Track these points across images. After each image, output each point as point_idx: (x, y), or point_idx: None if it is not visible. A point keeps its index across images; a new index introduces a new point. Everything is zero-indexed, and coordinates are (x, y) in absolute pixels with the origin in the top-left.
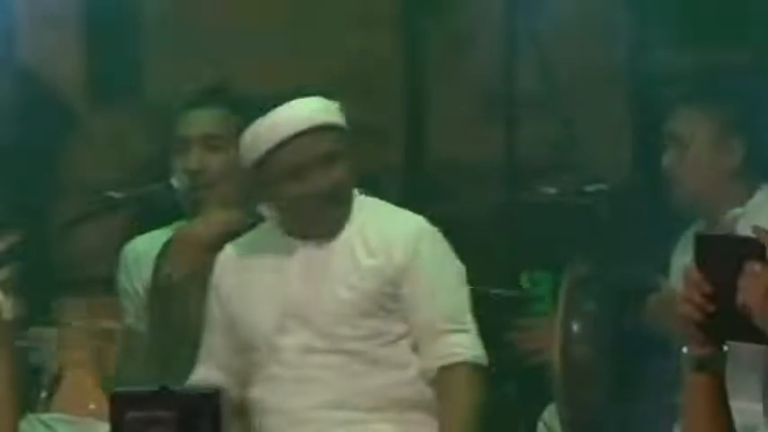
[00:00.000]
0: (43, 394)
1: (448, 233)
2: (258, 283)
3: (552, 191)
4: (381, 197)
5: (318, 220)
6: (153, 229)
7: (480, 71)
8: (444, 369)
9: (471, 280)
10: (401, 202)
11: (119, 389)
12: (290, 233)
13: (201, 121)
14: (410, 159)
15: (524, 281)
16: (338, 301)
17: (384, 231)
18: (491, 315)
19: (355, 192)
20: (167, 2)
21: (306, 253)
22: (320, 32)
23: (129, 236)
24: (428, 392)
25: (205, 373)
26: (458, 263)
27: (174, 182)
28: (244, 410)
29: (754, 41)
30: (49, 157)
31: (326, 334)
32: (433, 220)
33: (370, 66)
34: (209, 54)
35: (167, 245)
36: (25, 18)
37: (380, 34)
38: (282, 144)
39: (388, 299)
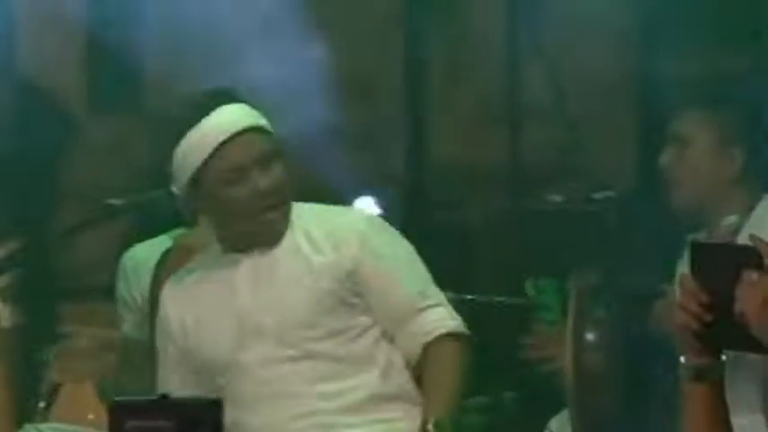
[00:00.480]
0: (41, 404)
1: (452, 241)
2: (208, 307)
3: (558, 198)
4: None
5: (260, 225)
6: (153, 236)
7: (485, 76)
8: (430, 344)
9: (476, 288)
10: (404, 210)
11: (118, 398)
12: (232, 248)
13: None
14: (413, 166)
15: (529, 288)
16: (293, 304)
17: (329, 228)
18: (495, 323)
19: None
20: (168, 9)
21: (251, 263)
22: (328, 37)
23: (129, 243)
24: (403, 383)
25: (178, 384)
26: (406, 242)
27: (174, 189)
28: None
29: (760, 49)
30: (49, 165)
31: (287, 341)
32: (437, 227)
33: (373, 71)
34: (209, 59)
35: (167, 253)
36: (25, 27)
37: (383, 38)
38: (215, 151)
39: (349, 293)
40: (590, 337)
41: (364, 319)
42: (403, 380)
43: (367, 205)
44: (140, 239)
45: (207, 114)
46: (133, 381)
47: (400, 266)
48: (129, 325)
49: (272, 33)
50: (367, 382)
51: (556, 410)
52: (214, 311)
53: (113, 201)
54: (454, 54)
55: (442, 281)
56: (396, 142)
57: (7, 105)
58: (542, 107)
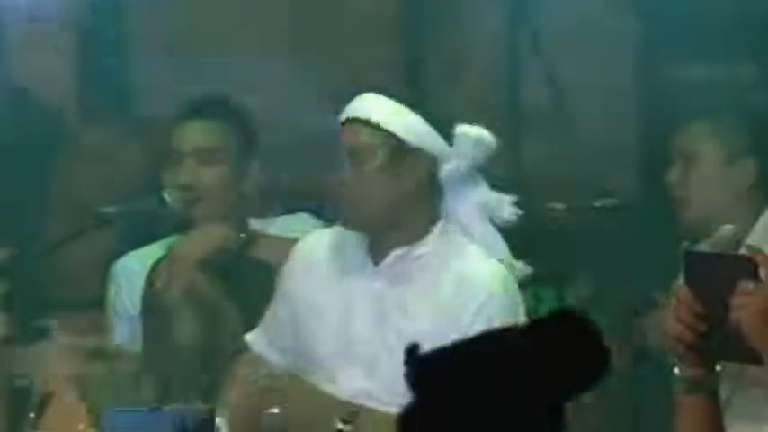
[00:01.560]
0: (31, 415)
1: None
2: (326, 301)
3: (560, 206)
4: None
5: None
6: (145, 244)
7: (483, 84)
8: None
9: None
10: None
11: (111, 409)
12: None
13: (195, 133)
14: None
15: (529, 298)
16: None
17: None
18: None
19: None
20: (159, 16)
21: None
22: (321, 43)
23: (121, 252)
24: None
25: (264, 346)
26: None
27: (167, 196)
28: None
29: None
30: (39, 173)
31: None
32: None
33: (371, 78)
34: (203, 65)
35: (158, 263)
36: (15, 34)
37: (381, 46)
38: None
39: None
40: None
41: None
42: None
43: None
44: (132, 247)
45: (195, 121)
46: (121, 392)
47: None
48: (118, 334)
49: (270, 42)
50: None
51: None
52: (325, 318)
53: (105, 209)
54: (452, 57)
55: None
56: None
57: None
58: (543, 113)
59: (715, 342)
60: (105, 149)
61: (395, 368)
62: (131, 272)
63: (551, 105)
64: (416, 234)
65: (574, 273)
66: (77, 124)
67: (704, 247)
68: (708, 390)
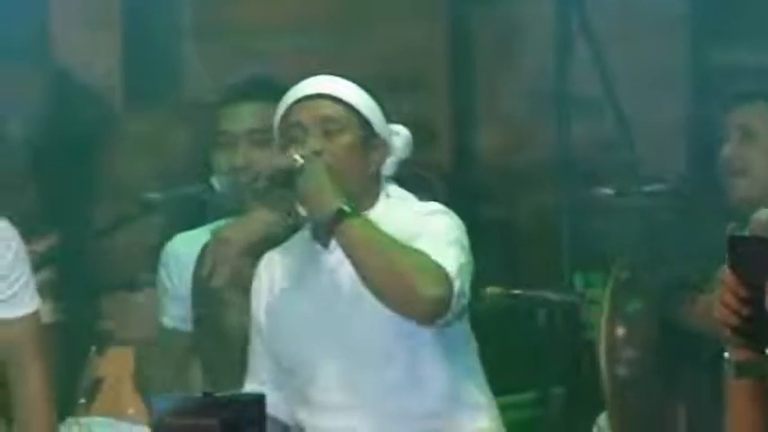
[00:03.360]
0: (82, 399)
1: (499, 235)
2: (293, 299)
3: (608, 191)
4: (429, 198)
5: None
6: (191, 229)
7: (532, 67)
8: None
9: (523, 283)
10: (449, 203)
11: (160, 395)
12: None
13: (247, 115)
14: (459, 159)
15: (578, 282)
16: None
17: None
18: (543, 318)
19: None
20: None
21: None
22: (368, 27)
23: (167, 238)
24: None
25: (256, 387)
26: None
27: (214, 181)
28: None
29: None
30: (85, 159)
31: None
32: (483, 221)
33: (418, 62)
34: (249, 50)
35: (206, 247)
36: (60, 18)
37: (429, 30)
38: (287, 110)
39: None
40: (623, 332)
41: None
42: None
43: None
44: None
45: (246, 103)
46: (170, 373)
47: None
48: (169, 316)
49: (315, 25)
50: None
51: (605, 406)
52: (295, 313)
53: (151, 195)
54: (499, 45)
55: (488, 276)
56: (439, 134)
57: (43, 98)
58: (591, 98)
59: (760, 326)
60: (151, 135)
61: (372, 333)
62: (179, 254)
63: (600, 89)
64: (365, 206)
65: (622, 257)
66: (123, 110)
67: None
68: (756, 374)
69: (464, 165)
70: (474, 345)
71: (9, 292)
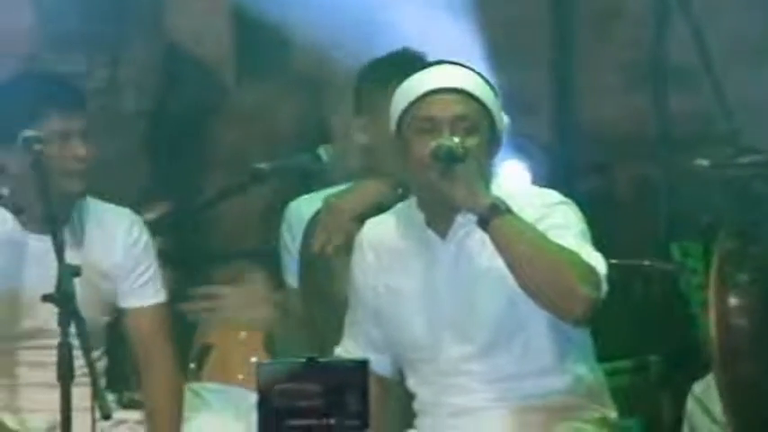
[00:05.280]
0: (192, 365)
1: (597, 204)
2: (404, 285)
3: (705, 162)
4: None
5: (435, 193)
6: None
7: (631, 41)
8: None
9: (622, 252)
10: (549, 176)
11: (265, 361)
12: (430, 224)
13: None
14: (559, 130)
15: (675, 252)
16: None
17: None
18: (641, 287)
19: None
20: None
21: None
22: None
23: (275, 208)
24: (574, 382)
25: (355, 349)
26: None
27: (322, 152)
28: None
29: None
30: (197, 130)
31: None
32: (581, 191)
33: (520, 36)
34: (353, 27)
35: (317, 215)
36: None
37: (532, 3)
38: (418, 100)
39: None
40: (733, 301)
41: None
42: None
43: (514, 168)
44: (286, 204)
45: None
46: (292, 330)
47: None
48: (292, 275)
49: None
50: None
51: (701, 374)
52: (409, 296)
53: (260, 165)
54: (599, 19)
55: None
56: (542, 104)
57: (156, 71)
58: (689, 70)
59: None
60: (261, 107)
61: (489, 331)
62: (301, 216)
63: (698, 62)
64: None
65: (728, 226)
66: (234, 81)
67: None
68: None
69: (564, 136)
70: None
71: (141, 281)
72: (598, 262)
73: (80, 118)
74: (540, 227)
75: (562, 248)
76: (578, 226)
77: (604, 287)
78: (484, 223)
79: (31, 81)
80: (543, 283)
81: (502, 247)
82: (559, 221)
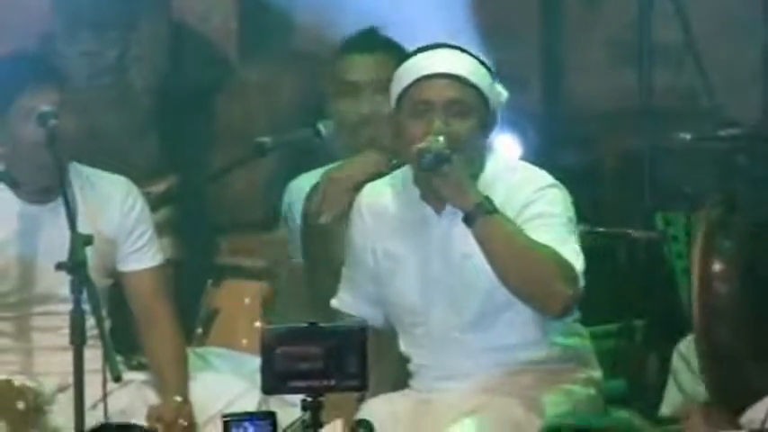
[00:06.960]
0: (198, 330)
1: (585, 175)
2: (401, 252)
3: (687, 136)
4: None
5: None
6: (301, 173)
7: (618, 21)
8: None
9: (607, 221)
10: (539, 149)
11: (269, 326)
12: (423, 197)
13: (370, 66)
14: (547, 104)
15: (659, 221)
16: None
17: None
18: (626, 254)
19: None
20: None
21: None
22: None
23: (278, 181)
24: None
25: (351, 302)
26: None
27: (322, 127)
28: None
29: None
30: (202, 105)
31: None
32: (569, 163)
33: (510, 11)
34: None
35: (316, 187)
36: None
37: None
38: (415, 82)
39: None
40: (717, 267)
41: None
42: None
43: (505, 142)
44: (289, 177)
45: (368, 54)
46: (293, 303)
47: None
48: (293, 247)
49: None
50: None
51: (682, 335)
52: (404, 262)
53: (263, 139)
54: None
55: (575, 214)
56: (531, 81)
57: (161, 46)
58: (672, 47)
59: None
60: (264, 83)
61: (478, 305)
62: (301, 190)
63: (682, 40)
64: (475, 173)
65: (701, 198)
66: (238, 57)
67: None
68: None
69: (553, 110)
70: None
71: (138, 244)
72: (577, 257)
73: (52, 93)
74: (527, 213)
75: (542, 247)
76: (565, 214)
77: (581, 282)
78: (469, 221)
79: (6, 62)
80: (522, 282)
81: (485, 245)
82: (547, 209)
